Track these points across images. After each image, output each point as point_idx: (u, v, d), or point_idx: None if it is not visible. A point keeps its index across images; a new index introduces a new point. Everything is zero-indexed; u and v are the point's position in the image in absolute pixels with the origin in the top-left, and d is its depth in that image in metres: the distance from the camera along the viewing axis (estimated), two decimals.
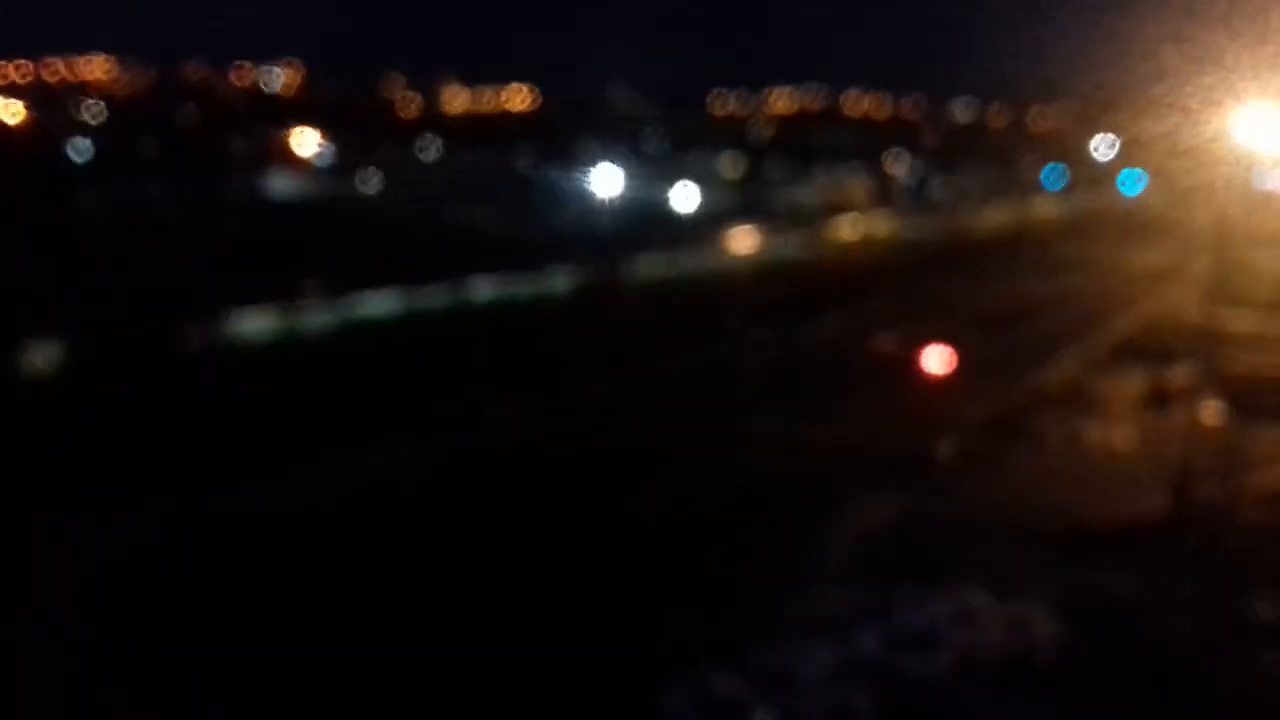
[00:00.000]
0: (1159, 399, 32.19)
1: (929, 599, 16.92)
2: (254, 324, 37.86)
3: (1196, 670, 13.65)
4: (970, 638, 15.66)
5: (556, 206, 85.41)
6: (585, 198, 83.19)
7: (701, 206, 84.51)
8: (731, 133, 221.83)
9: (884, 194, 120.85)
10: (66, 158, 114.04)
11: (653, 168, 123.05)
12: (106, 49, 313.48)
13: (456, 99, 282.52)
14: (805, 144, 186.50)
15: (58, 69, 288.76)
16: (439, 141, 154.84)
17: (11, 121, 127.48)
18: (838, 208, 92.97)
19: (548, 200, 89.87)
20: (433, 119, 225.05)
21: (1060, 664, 15.24)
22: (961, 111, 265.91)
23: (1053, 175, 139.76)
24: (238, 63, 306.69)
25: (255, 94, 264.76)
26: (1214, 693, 13.23)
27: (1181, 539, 18.67)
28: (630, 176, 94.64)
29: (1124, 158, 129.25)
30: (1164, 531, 19.35)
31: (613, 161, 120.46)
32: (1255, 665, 14.42)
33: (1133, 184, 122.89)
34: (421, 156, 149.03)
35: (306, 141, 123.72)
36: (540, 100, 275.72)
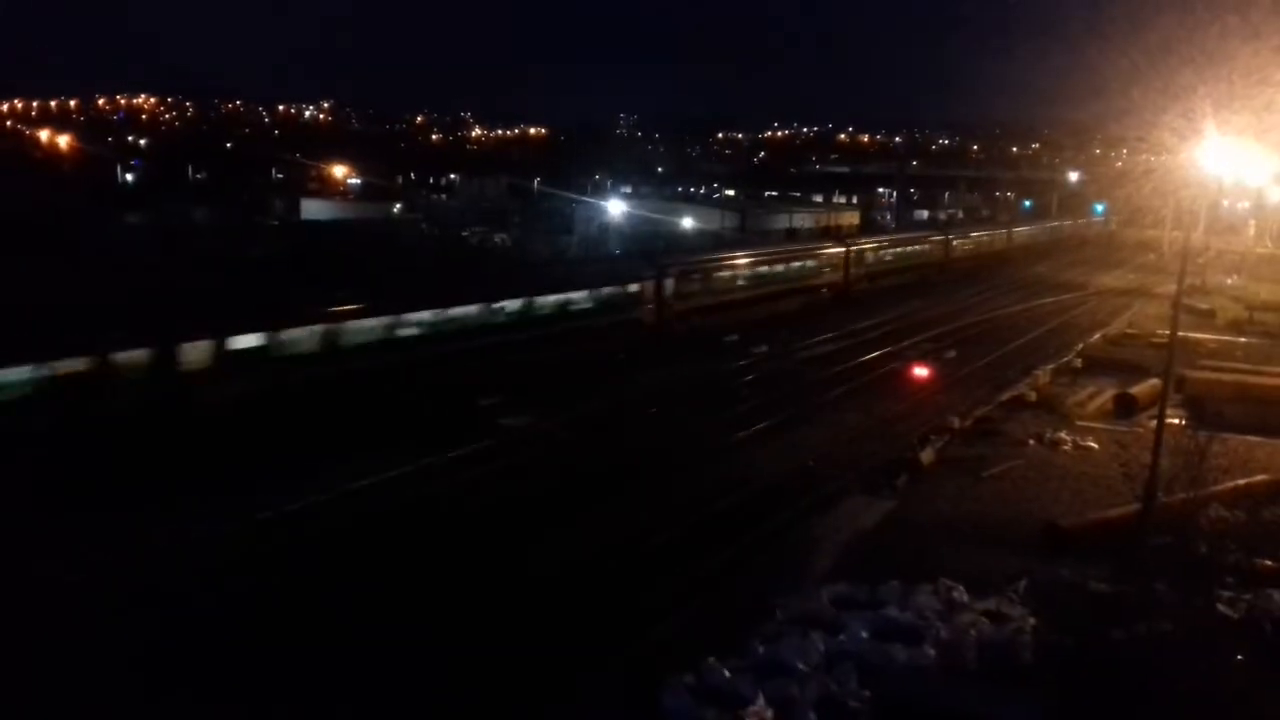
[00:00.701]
0: (1127, 408, 32.08)
1: (913, 594, 16.71)
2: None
3: (1169, 664, 13.42)
4: (952, 630, 15.43)
5: (564, 230, 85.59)
6: (591, 221, 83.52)
7: (699, 231, 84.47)
8: (731, 162, 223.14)
9: (870, 220, 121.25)
10: (116, 182, 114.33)
11: (657, 193, 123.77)
12: (153, 90, 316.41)
13: (474, 132, 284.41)
14: (801, 174, 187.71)
15: (109, 105, 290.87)
16: (458, 171, 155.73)
17: (65, 150, 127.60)
18: (829, 232, 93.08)
19: (556, 224, 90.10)
20: (453, 150, 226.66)
21: (1037, 655, 15.02)
22: (944, 145, 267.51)
23: (1029, 207, 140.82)
24: (275, 102, 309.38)
25: (293, 127, 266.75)
26: (1185, 684, 13.00)
27: (1151, 539, 18.41)
28: (634, 202, 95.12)
29: (1094, 188, 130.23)
30: (1134, 532, 19.12)
31: (617, 188, 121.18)
32: (1225, 657, 14.22)
33: (1100, 213, 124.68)
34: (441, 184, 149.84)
35: (338, 171, 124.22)
36: (552, 132, 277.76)
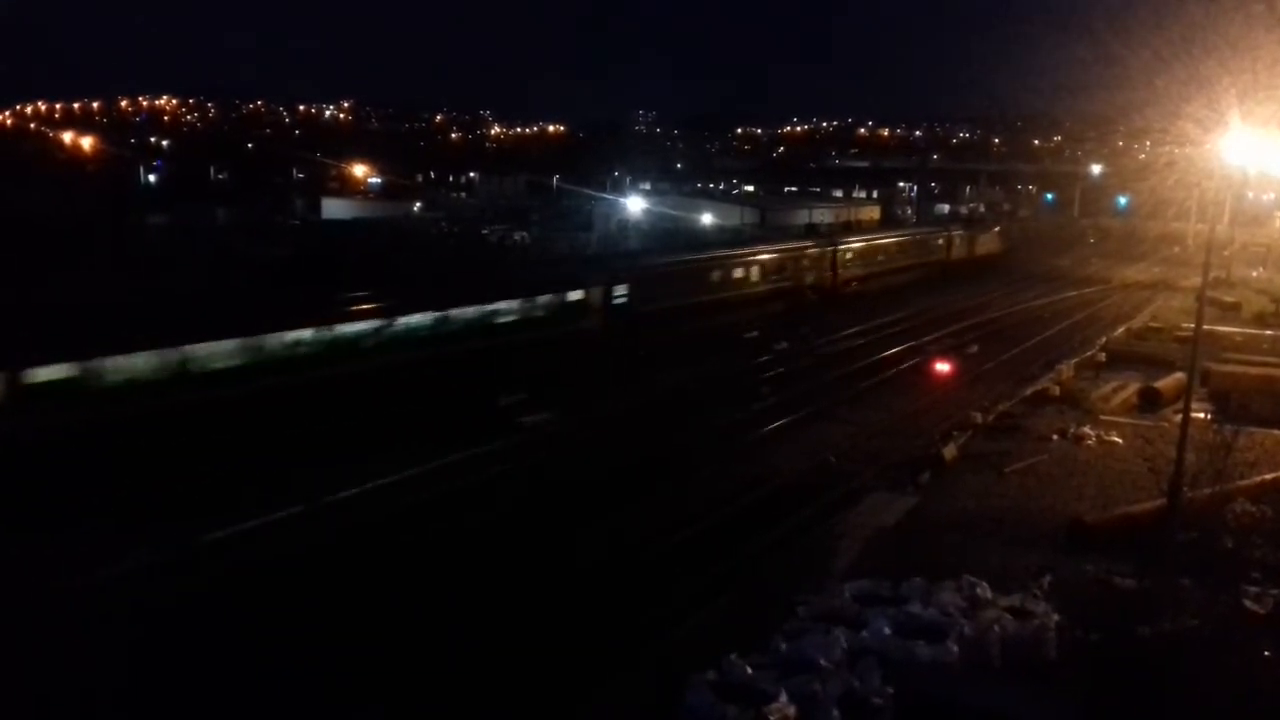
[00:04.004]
0: (1151, 402, 31.84)
1: (936, 591, 16.63)
2: None
3: (1195, 660, 13.35)
4: (976, 627, 15.36)
5: (583, 227, 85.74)
6: (610, 219, 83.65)
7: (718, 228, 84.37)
8: (751, 158, 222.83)
9: (891, 214, 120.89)
10: (139, 183, 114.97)
11: (676, 190, 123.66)
12: (175, 91, 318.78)
13: (493, 130, 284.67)
14: (820, 169, 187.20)
15: (130, 107, 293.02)
16: (478, 169, 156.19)
17: (88, 152, 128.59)
18: (849, 227, 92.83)
19: (575, 221, 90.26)
20: (472, 148, 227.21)
21: (1062, 652, 14.94)
22: (964, 138, 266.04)
23: (1050, 200, 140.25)
24: (296, 102, 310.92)
25: (313, 127, 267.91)
26: (1212, 680, 12.94)
27: (1176, 535, 18.30)
28: (653, 199, 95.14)
29: (1116, 180, 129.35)
30: (1159, 527, 18.98)
31: (636, 185, 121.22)
32: (1252, 653, 14.14)
33: (1123, 205, 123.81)
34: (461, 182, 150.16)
35: (359, 170, 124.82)
36: (571, 129, 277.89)
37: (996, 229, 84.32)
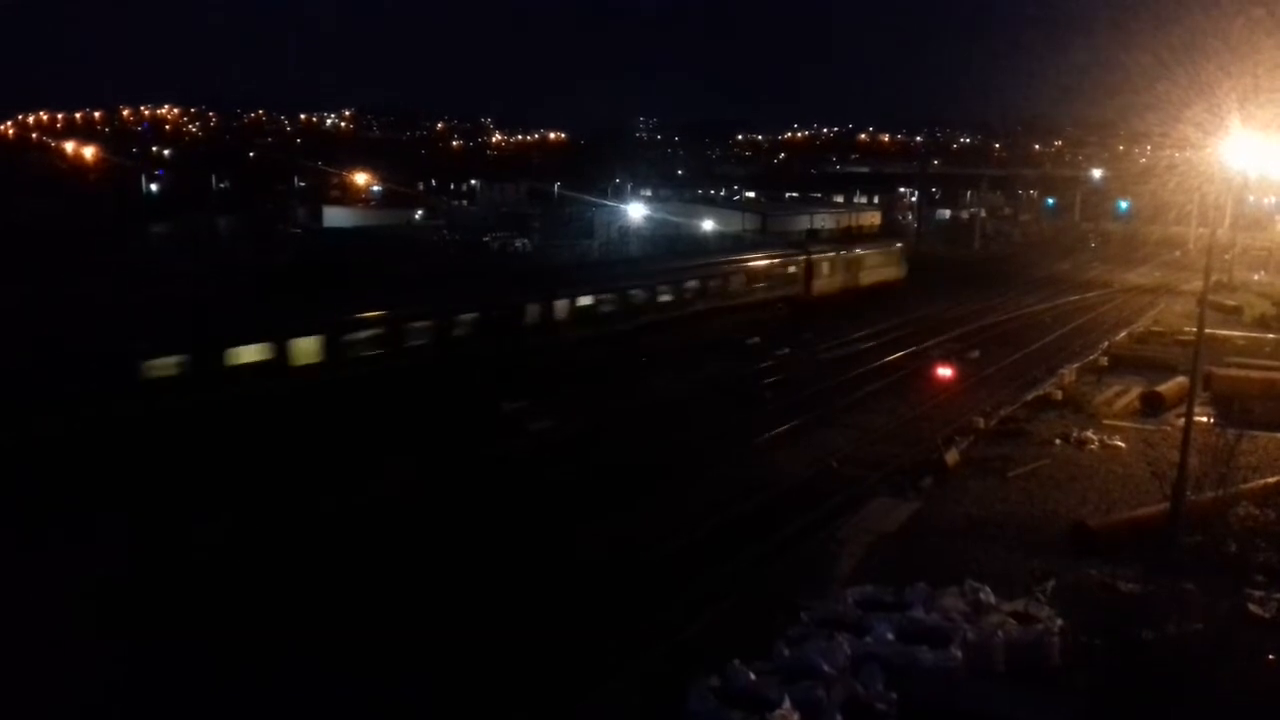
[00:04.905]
0: (1153, 406, 31.78)
1: (939, 596, 16.59)
2: None
3: (1200, 664, 13.31)
4: (979, 632, 15.31)
5: (585, 234, 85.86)
6: (612, 225, 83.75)
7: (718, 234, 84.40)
8: (751, 164, 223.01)
9: (893, 220, 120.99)
10: (141, 192, 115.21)
11: (677, 196, 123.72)
12: (177, 100, 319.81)
13: (494, 138, 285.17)
14: (821, 175, 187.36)
15: (133, 116, 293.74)
16: (479, 177, 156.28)
17: (90, 162, 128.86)
18: (850, 233, 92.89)
19: (577, 228, 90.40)
20: (474, 156, 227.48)
21: (1066, 656, 14.89)
22: (965, 144, 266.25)
23: (1051, 204, 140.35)
24: (297, 111, 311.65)
25: (315, 135, 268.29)
26: (1217, 684, 12.89)
27: (1180, 539, 18.27)
28: (654, 205, 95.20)
29: (1117, 184, 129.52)
30: (1163, 531, 18.93)
31: (637, 192, 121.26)
32: (1257, 657, 14.10)
33: (1124, 210, 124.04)
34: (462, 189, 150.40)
35: (360, 178, 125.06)
36: (572, 136, 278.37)
37: (896, 245, 62.04)
